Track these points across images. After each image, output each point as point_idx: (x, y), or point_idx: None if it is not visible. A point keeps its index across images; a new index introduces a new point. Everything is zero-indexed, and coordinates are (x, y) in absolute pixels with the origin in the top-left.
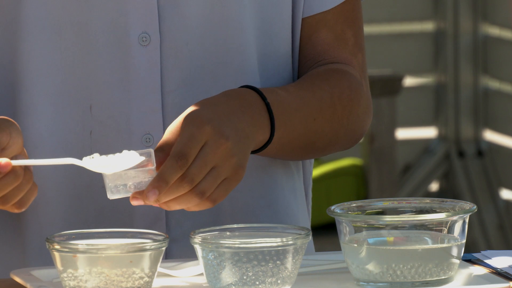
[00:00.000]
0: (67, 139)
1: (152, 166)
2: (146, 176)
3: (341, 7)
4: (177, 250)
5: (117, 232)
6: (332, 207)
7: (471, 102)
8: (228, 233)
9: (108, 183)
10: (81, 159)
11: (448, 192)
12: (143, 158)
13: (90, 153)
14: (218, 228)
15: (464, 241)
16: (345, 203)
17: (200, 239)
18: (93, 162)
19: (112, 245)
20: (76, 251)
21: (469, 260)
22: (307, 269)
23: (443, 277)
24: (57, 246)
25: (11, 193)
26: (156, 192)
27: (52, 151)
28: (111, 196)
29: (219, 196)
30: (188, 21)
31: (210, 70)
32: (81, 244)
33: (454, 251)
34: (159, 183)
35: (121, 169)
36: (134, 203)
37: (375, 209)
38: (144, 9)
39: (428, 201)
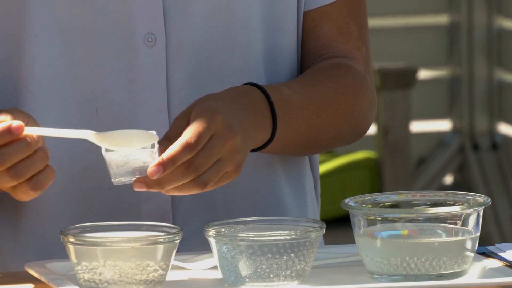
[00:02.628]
0: (72, 141)
1: (154, 148)
2: (148, 159)
3: (344, 0)
4: (185, 250)
5: (131, 225)
6: (346, 200)
7: (485, 95)
8: (242, 226)
9: (113, 168)
10: (87, 162)
11: (463, 185)
12: (158, 138)
13: (96, 156)
14: (232, 221)
15: (478, 234)
16: (359, 196)
17: (214, 232)
18: (106, 138)
19: (126, 238)
20: (91, 243)
21: (483, 253)
22: (321, 262)
23: (457, 270)
24: (71, 239)
25: (23, 166)
26: (161, 169)
27: (57, 154)
28: (116, 182)
29: (214, 186)
30: (193, 21)
31: (216, 70)
32: (96, 237)
33: (468, 244)
34: (166, 161)
35: (133, 147)
36: (137, 188)
37: (389, 202)
38: (150, 10)
39: (442, 194)
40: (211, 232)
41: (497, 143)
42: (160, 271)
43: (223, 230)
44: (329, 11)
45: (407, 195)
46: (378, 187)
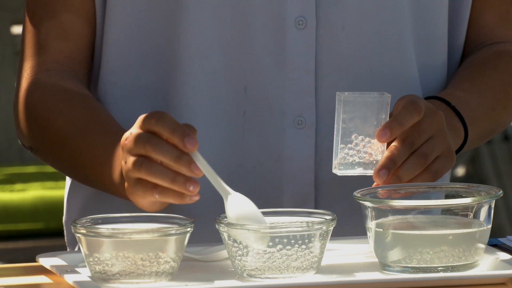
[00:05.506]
0: (220, 118)
1: (385, 115)
2: (379, 123)
3: None
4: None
5: (142, 217)
6: (358, 192)
7: None
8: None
9: (341, 147)
10: (233, 138)
11: (474, 176)
12: (377, 99)
13: (242, 133)
14: None
15: (490, 226)
16: (371, 188)
17: (225, 224)
18: (237, 215)
19: (137, 229)
20: (102, 235)
21: (495, 245)
22: (333, 254)
23: (468, 262)
24: (82, 231)
25: (170, 192)
26: (387, 132)
27: (205, 129)
28: (341, 170)
29: (439, 169)
30: (344, 6)
31: (366, 56)
32: (107, 228)
33: (480, 236)
34: (392, 123)
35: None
36: (381, 176)
37: (400, 194)
38: None
39: (454, 185)
40: (222, 224)
41: (509, 134)
42: (172, 263)
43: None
44: (492, 0)
45: (419, 187)
46: None
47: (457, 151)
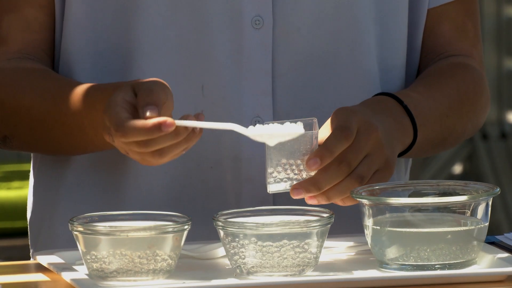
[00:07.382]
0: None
1: (315, 134)
2: (308, 149)
3: None
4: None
5: (140, 214)
6: (355, 190)
7: (494, 84)
8: (250, 216)
9: (270, 153)
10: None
11: (472, 174)
12: (305, 132)
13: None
14: (240, 210)
15: (487, 223)
16: (368, 186)
17: (222, 222)
18: (257, 130)
19: (135, 227)
20: (99, 233)
21: (492, 242)
22: (330, 252)
23: (466, 260)
24: (80, 228)
25: (168, 149)
26: (318, 161)
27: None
28: (271, 188)
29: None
30: (301, 7)
31: (321, 57)
32: (104, 226)
33: (477, 234)
34: (322, 152)
35: (284, 138)
36: (295, 195)
37: (398, 191)
38: None
39: (451, 183)
40: (220, 221)
41: (506, 132)
42: (169, 261)
43: (231, 220)
44: (448, 10)
45: (417, 185)
46: None
47: (406, 151)
